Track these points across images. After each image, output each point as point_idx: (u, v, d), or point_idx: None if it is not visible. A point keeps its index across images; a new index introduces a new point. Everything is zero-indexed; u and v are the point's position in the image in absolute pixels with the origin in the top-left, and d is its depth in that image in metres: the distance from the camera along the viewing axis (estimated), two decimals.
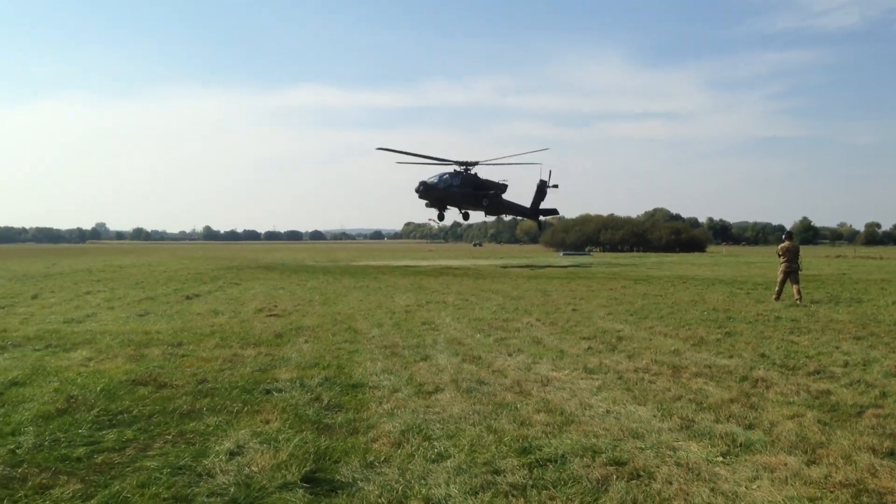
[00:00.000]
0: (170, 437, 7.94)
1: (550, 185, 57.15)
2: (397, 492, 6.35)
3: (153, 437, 7.98)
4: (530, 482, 6.61)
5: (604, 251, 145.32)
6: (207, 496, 6.23)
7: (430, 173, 54.52)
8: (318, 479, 6.67)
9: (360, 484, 6.55)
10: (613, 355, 13.38)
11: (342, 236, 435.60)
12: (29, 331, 16.33)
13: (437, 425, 8.46)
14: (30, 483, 6.46)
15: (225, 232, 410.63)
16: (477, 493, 6.35)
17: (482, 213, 57.12)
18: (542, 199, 57.71)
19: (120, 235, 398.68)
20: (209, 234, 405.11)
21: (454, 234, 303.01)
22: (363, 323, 18.19)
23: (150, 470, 6.85)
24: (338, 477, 6.74)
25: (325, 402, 9.55)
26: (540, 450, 7.51)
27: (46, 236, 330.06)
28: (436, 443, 7.76)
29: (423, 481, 6.61)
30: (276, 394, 10.07)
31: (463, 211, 55.80)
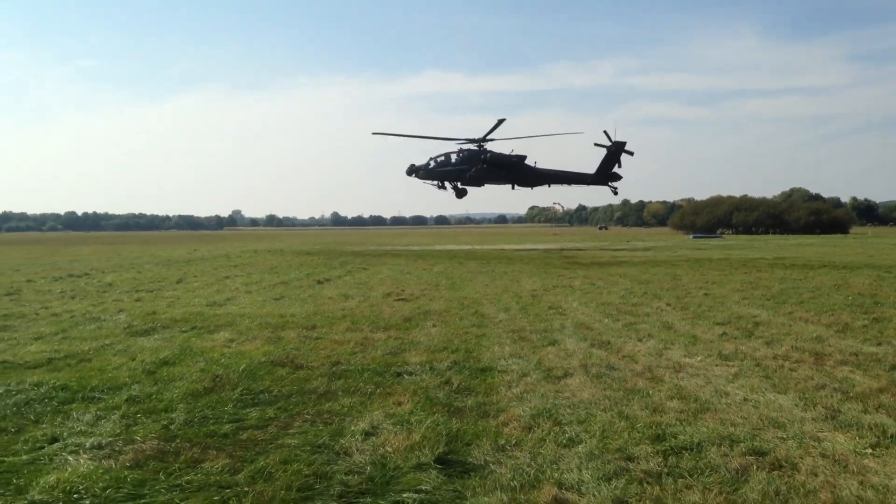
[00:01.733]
0: (308, 417, 8.26)
1: (612, 144, 52.12)
2: (529, 475, 6.36)
3: (292, 415, 8.32)
4: (665, 470, 6.48)
5: (737, 234, 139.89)
6: (345, 474, 6.44)
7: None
8: (451, 460, 6.76)
9: (493, 467, 6.60)
10: (750, 341, 12.88)
11: (467, 221, 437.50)
12: (176, 313, 17.32)
13: (568, 410, 8.41)
14: (182, 457, 6.87)
15: (352, 217, 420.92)
16: (610, 479, 6.27)
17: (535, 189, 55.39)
18: (613, 165, 52.88)
19: (254, 222, 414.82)
20: (337, 220, 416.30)
21: (579, 217, 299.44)
22: (490, 307, 18.27)
23: (291, 447, 7.15)
24: (470, 459, 6.82)
25: (455, 385, 9.67)
26: (674, 437, 7.35)
27: (187, 223, 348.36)
28: (566, 428, 7.72)
29: (554, 466, 6.60)
30: (406, 377, 10.28)
31: (461, 186, 54.24)
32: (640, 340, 13.12)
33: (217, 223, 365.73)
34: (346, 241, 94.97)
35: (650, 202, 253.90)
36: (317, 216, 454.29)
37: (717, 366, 10.90)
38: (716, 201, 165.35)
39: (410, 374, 10.45)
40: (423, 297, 20.74)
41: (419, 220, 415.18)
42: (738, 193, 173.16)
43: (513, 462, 6.70)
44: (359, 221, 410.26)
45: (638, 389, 9.38)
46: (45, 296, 21.90)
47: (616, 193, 55.67)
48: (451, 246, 69.26)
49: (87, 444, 7.21)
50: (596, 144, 52.22)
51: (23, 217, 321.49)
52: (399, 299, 20.25)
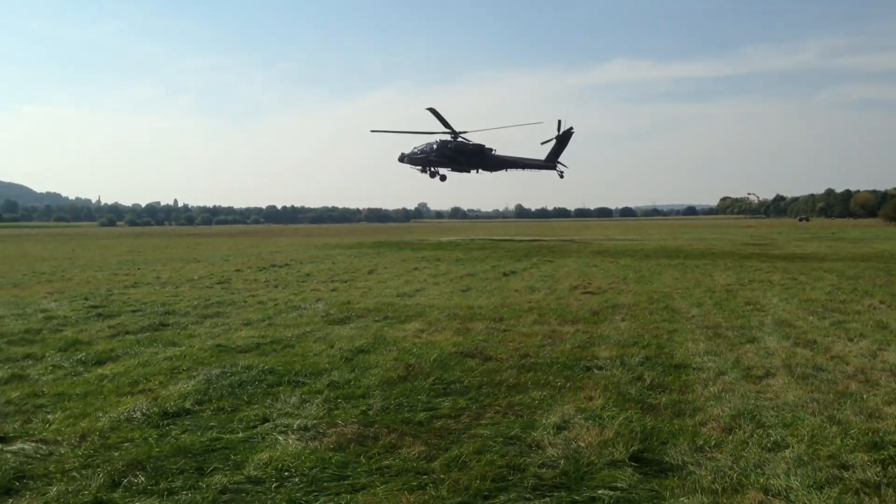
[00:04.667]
0: (499, 408, 8.32)
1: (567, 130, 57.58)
2: (732, 479, 6.07)
3: (484, 407, 8.42)
4: (885, 480, 5.98)
5: None
6: (539, 467, 6.44)
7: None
8: (646, 459, 6.58)
9: (691, 468, 6.35)
10: None
11: (653, 212, 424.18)
12: (369, 303, 18.05)
13: (771, 412, 7.95)
14: (381, 442, 7.14)
15: (536, 210, 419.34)
16: (822, 487, 5.87)
17: (486, 174, 60.77)
18: (562, 151, 58.46)
19: (439, 214, 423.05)
20: (520, 212, 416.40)
21: (776, 208, 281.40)
22: (681, 302, 17.64)
23: (483, 438, 7.24)
24: (666, 458, 6.60)
25: (648, 381, 9.41)
26: (894, 446, 6.76)
27: (376, 216, 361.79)
28: (770, 431, 7.29)
29: (759, 470, 6.25)
30: (596, 371, 10.12)
31: (433, 169, 60.29)
32: (850, 340, 12.17)
33: (404, 215, 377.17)
34: (529, 232, 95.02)
35: (858, 191, 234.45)
36: (500, 208, 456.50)
37: None
38: None
39: (600, 368, 10.28)
40: (610, 291, 20.38)
41: (604, 212, 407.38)
42: None
43: (713, 464, 6.42)
44: (542, 213, 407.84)
45: (850, 393, 8.71)
46: (252, 284, 23.55)
47: (562, 177, 59.33)
48: (634, 237, 67.58)
49: (295, 426, 7.65)
50: (543, 143, 57.94)
51: (230, 211, 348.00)
52: (586, 292, 20.01)
